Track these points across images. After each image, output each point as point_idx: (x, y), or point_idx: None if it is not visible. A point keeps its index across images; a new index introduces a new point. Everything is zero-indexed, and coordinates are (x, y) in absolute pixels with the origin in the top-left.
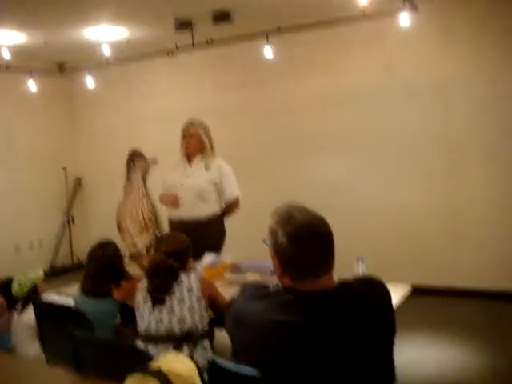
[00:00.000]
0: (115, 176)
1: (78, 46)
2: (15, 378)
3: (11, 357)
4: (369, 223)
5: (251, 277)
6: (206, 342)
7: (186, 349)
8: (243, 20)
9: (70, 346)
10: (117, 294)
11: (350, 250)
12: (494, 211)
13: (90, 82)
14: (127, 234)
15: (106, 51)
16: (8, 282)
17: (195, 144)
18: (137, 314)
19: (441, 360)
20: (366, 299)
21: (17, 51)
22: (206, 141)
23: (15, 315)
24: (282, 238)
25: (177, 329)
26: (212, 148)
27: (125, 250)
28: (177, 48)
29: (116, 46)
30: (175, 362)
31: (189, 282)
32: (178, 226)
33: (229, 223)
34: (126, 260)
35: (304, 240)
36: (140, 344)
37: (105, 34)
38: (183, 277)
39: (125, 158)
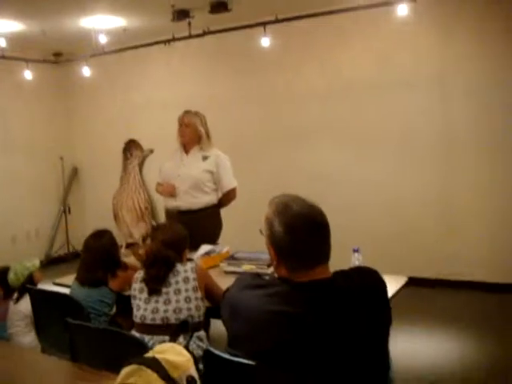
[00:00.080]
0: (112, 166)
1: (74, 35)
2: (11, 367)
3: (7, 346)
4: (365, 214)
5: (247, 267)
6: (202, 332)
7: (181, 339)
8: (240, 9)
9: (66, 335)
10: (113, 284)
11: (346, 241)
12: (490, 203)
13: (86, 71)
14: (123, 224)
15: (103, 40)
16: (4, 272)
17: (191, 134)
18: (133, 303)
19: (436, 351)
20: (362, 289)
21: (13, 40)
22: (203, 130)
23: (11, 305)
24: (278, 229)
25: (172, 319)
26: (209, 138)
27: (121, 240)
28: (173, 38)
29: (113, 35)
30: (171, 351)
31: (185, 273)
32: (174, 215)
33: (225, 213)
34: (123, 250)
35: (300, 230)
36: (136, 334)
37: (102, 23)
38: (179, 267)
39: (121, 147)
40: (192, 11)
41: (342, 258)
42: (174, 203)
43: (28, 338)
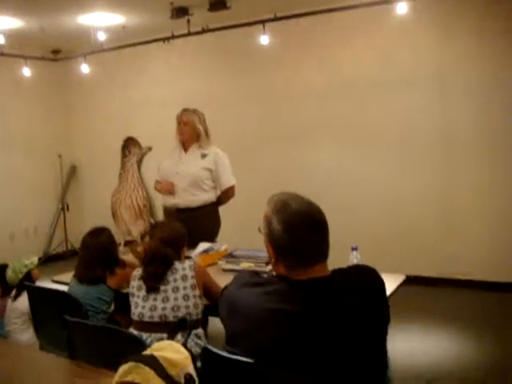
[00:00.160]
0: (110, 163)
1: (73, 32)
2: (9, 365)
3: (5, 343)
4: (365, 213)
5: (245, 265)
6: (200, 330)
7: (179, 336)
8: (239, 7)
9: (64, 332)
10: (111, 281)
11: (345, 240)
12: (490, 203)
13: (85, 68)
14: (122, 222)
15: (102, 37)
16: (2, 269)
17: (190, 132)
18: (131, 301)
19: (434, 349)
20: (360, 287)
21: (12, 37)
22: (201, 128)
23: (9, 302)
24: (276, 227)
25: (171, 316)
26: (207, 135)
27: (119, 238)
28: (173, 35)
29: (112, 32)
30: (169, 349)
31: (183, 270)
32: (172, 213)
33: (224, 211)
34: (121, 248)
35: (299, 228)
36: (134, 331)
37: (101, 21)
38: (178, 265)
39: (120, 145)
40: (191, 9)
41: (341, 257)
42: (172, 201)
43: (26, 335)
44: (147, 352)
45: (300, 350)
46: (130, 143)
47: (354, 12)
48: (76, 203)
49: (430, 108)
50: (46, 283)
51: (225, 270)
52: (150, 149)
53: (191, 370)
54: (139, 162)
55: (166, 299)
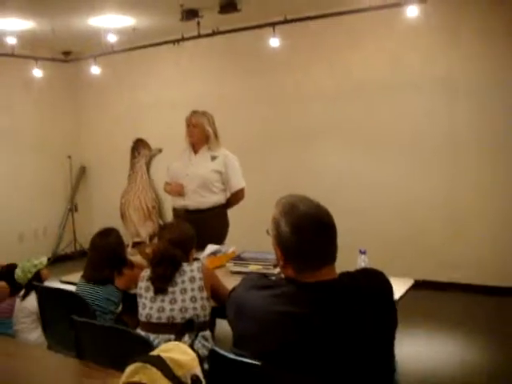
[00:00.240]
0: (119, 164)
1: (84, 33)
2: (17, 364)
3: (13, 343)
4: (373, 216)
5: (253, 267)
6: (208, 332)
7: (186, 338)
8: (249, 10)
9: (72, 332)
10: (119, 282)
11: (355, 243)
12: (498, 207)
13: (95, 69)
14: (130, 223)
15: (112, 39)
16: (11, 268)
17: (199, 134)
18: (139, 302)
19: (440, 354)
20: (368, 291)
21: (23, 38)
22: (210, 130)
23: (17, 301)
24: (285, 229)
25: (178, 318)
26: (217, 137)
27: (128, 239)
28: (183, 38)
29: (122, 34)
30: (176, 350)
31: (191, 272)
32: (181, 214)
33: (233, 214)
34: (129, 249)
35: (307, 231)
36: (141, 332)
37: (111, 22)
38: (186, 266)
39: (129, 146)
40: (201, 11)
41: (349, 260)
42: (181, 202)
43: (34, 334)
44: (154, 353)
45: (307, 353)
46: (139, 144)
47: (364, 15)
48: (85, 204)
49: (439, 111)
50: (54, 283)
51: (233, 272)
52: (159, 150)
53: (198, 371)
54: (148, 164)
55: (173, 301)
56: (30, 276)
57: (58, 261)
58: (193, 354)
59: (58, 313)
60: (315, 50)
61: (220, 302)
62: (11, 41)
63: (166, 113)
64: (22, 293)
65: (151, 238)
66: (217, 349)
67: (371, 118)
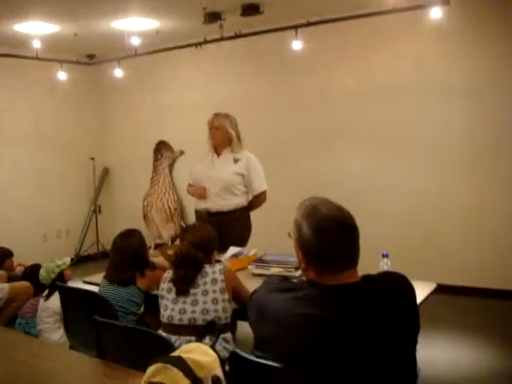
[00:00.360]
0: (142, 167)
1: (107, 37)
2: (39, 364)
3: (36, 342)
4: (394, 220)
5: (275, 270)
6: (229, 334)
7: (207, 340)
8: (272, 12)
9: (94, 332)
10: (141, 283)
11: (376, 246)
12: None
13: (118, 72)
14: (153, 225)
15: (135, 42)
16: (35, 269)
17: (221, 136)
18: (160, 303)
19: (462, 359)
20: (390, 294)
21: (48, 42)
22: (233, 133)
23: (41, 301)
24: (306, 231)
25: (200, 320)
26: (239, 140)
27: (150, 241)
28: (205, 41)
29: (145, 37)
30: (197, 351)
31: (213, 274)
32: (204, 217)
33: (254, 216)
34: (151, 251)
35: (329, 233)
36: (162, 333)
37: (135, 25)
38: (208, 268)
39: (152, 148)
40: (224, 14)
41: (370, 263)
42: (204, 205)
43: (57, 334)
44: (175, 353)
45: (329, 356)
46: (162, 147)
47: (387, 17)
48: (108, 205)
49: (459, 116)
50: (77, 284)
51: (254, 275)
52: (182, 153)
53: (219, 372)
54: (171, 166)
55: (195, 302)
56: (54, 276)
57: (80, 261)
58: (214, 355)
59: (81, 313)
60: (338, 53)
61: (241, 304)
62: (36, 44)
63: (189, 115)
64: (45, 293)
65: (173, 239)
66: (238, 351)
67: (393, 121)
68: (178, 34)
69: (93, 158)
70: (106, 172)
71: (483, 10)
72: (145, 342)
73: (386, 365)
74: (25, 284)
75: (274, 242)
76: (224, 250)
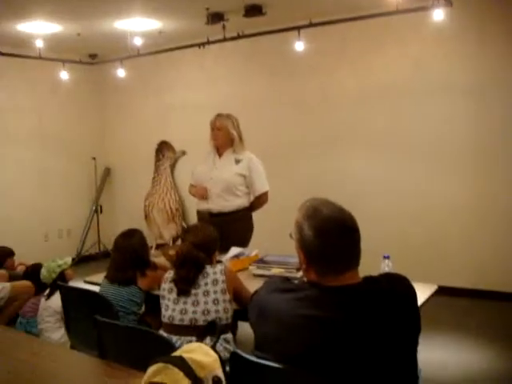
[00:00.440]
0: (143, 167)
1: (110, 37)
2: (40, 363)
3: (37, 341)
4: (395, 221)
5: (276, 271)
6: (229, 335)
7: (208, 340)
8: (275, 13)
9: (95, 332)
10: (142, 283)
11: (377, 248)
12: None
13: (121, 72)
14: (154, 225)
15: (138, 42)
16: (36, 268)
17: (223, 137)
18: (161, 303)
19: (463, 360)
20: (391, 295)
21: (51, 41)
22: (235, 133)
23: (42, 301)
24: (308, 232)
25: (201, 320)
26: (241, 140)
27: (151, 241)
28: (208, 41)
29: (148, 37)
30: (198, 351)
31: (214, 275)
32: (205, 217)
33: (256, 217)
34: (152, 251)
35: (330, 234)
36: (163, 333)
37: (137, 26)
38: (209, 269)
39: (154, 148)
40: (226, 14)
41: (371, 265)
42: (205, 205)
43: (57, 334)
44: (176, 353)
45: (331, 357)
46: (163, 147)
47: (389, 19)
48: (109, 205)
49: (462, 117)
50: (78, 283)
51: (255, 275)
52: (183, 153)
53: (220, 373)
54: (172, 166)
55: (196, 303)
56: (55, 276)
57: (82, 261)
58: (215, 356)
59: (82, 313)
60: (340, 54)
61: (242, 304)
62: (39, 44)
63: (191, 116)
64: (46, 292)
65: (174, 240)
66: (238, 351)
67: (395, 122)
68: (181, 34)
69: (94, 158)
70: (107, 172)
71: (485, 8)
72: (146, 341)
73: (386, 366)
74: (26, 283)
75: (275, 243)
76: (225, 250)
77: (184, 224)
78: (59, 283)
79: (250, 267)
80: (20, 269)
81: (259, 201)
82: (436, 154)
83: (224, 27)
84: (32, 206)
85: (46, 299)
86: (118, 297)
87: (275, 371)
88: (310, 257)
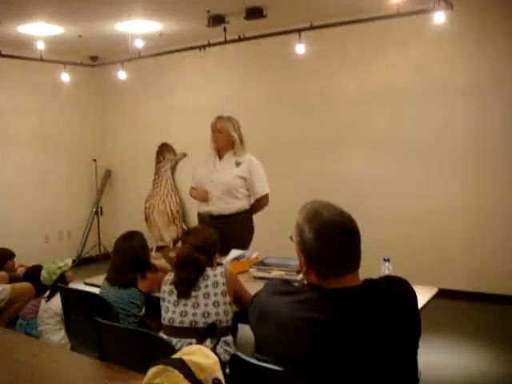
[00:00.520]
0: (144, 169)
1: (111, 39)
2: (41, 365)
3: (37, 343)
4: (395, 224)
5: (276, 273)
6: (229, 337)
7: (208, 342)
8: (275, 16)
9: (95, 334)
10: (142, 285)
11: (377, 250)
12: None
13: (122, 74)
14: (155, 227)
15: (139, 44)
16: (37, 270)
17: (224, 139)
18: (161, 305)
19: (463, 363)
20: (392, 298)
21: (52, 43)
22: (236, 136)
23: (42, 303)
24: (308, 235)
25: (201, 322)
26: (242, 143)
27: (152, 243)
28: (209, 43)
29: (149, 39)
30: (198, 353)
31: (214, 277)
32: (206, 220)
33: (256, 220)
34: (153, 253)
35: (331, 237)
36: (163, 336)
37: (138, 28)
38: (209, 271)
39: (154, 150)
40: (227, 17)
41: (371, 268)
42: (206, 208)
43: (58, 335)
44: (176, 355)
45: (331, 359)
46: (164, 149)
47: (390, 22)
48: (110, 207)
49: (462, 120)
50: (78, 285)
51: (256, 278)
52: (184, 155)
53: (220, 375)
54: (173, 168)
55: (196, 305)
56: (55, 278)
57: (82, 263)
58: (215, 358)
59: (82, 315)
60: (341, 57)
61: (242, 307)
62: (40, 46)
63: (192, 118)
64: (46, 294)
65: (175, 242)
66: (239, 354)
67: (395, 124)
68: (182, 36)
69: (95, 160)
70: (108, 174)
71: (485, 9)
72: (146, 344)
73: (387, 369)
74: (26, 285)
75: (275, 246)
76: (226, 252)
77: (184, 226)
78: (59, 285)
79: (251, 269)
80: (20, 271)
81: (260, 203)
82: (436, 156)
83: (225, 30)
84: (32, 208)
85: (47, 301)
86: (119, 299)
87: (275, 374)
88: (310, 259)
